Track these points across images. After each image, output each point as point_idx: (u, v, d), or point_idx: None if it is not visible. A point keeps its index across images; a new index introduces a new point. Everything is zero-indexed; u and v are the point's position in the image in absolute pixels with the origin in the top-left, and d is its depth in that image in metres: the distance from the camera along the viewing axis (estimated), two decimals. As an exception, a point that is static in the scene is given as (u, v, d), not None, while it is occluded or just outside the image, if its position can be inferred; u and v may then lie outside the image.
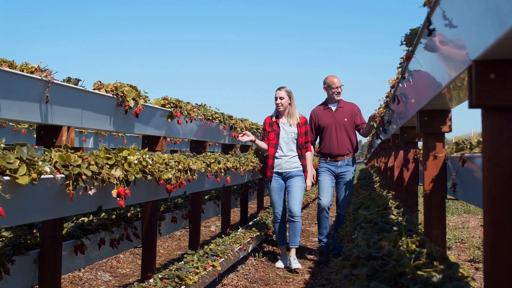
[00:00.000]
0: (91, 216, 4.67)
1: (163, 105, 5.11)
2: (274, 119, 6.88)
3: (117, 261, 6.79)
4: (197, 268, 5.07)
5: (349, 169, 7.21)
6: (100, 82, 4.08)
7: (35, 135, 3.77)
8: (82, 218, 4.57)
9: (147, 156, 3.76)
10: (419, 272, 1.72)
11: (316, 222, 8.04)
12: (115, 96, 4.12)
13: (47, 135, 3.67)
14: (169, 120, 5.23)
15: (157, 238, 5.28)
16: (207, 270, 5.20)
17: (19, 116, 3.17)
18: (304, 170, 6.82)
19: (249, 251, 6.99)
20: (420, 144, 4.24)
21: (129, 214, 5.23)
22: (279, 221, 6.93)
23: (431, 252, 2.00)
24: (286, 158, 6.79)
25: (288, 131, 6.80)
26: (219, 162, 5.72)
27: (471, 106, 1.69)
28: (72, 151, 3.00)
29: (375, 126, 6.48)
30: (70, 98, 3.63)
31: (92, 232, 4.46)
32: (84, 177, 2.90)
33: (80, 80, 3.75)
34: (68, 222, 4.42)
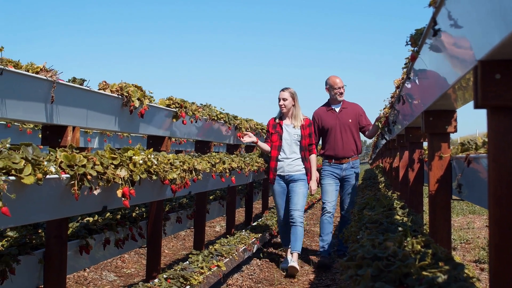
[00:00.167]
0: (96, 216, 4.68)
1: (168, 105, 5.11)
2: (277, 120, 6.76)
3: (122, 261, 6.80)
4: (202, 268, 5.07)
5: (354, 171, 7.09)
6: (105, 82, 4.08)
7: (40, 135, 3.78)
8: (87, 218, 4.58)
9: (152, 156, 3.76)
10: (424, 273, 1.72)
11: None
12: (120, 96, 4.13)
13: (53, 135, 3.68)
14: (174, 120, 5.23)
15: (162, 238, 5.29)
16: (212, 270, 5.20)
17: (24, 116, 3.18)
18: (307, 173, 6.68)
19: (254, 251, 6.99)
20: (425, 144, 4.24)
21: (134, 214, 5.23)
22: (283, 224, 6.86)
23: (436, 253, 1.99)
24: (289, 160, 6.66)
25: (291, 132, 6.68)
26: (224, 162, 5.72)
27: (476, 106, 1.69)
28: (77, 151, 3.01)
29: (380, 126, 6.47)
30: (75, 98, 3.64)
31: (97, 232, 4.46)
32: (89, 177, 2.91)
33: (85, 80, 3.76)
34: (73, 222, 4.43)
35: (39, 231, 4.13)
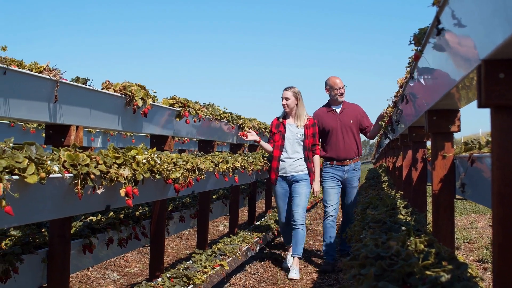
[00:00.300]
0: (100, 215, 4.68)
1: (171, 105, 5.12)
2: (281, 119, 6.68)
3: (125, 260, 6.81)
4: (205, 267, 5.08)
5: (355, 174, 6.96)
6: (108, 81, 4.09)
7: (43, 135, 3.78)
8: (91, 217, 4.59)
9: (155, 155, 3.77)
10: (427, 272, 1.71)
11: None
12: (123, 96, 4.13)
13: (56, 134, 3.68)
14: (177, 119, 5.23)
15: (165, 237, 5.29)
16: (215, 269, 5.21)
17: (28, 115, 3.18)
18: (310, 173, 6.56)
19: (257, 250, 6.99)
20: (428, 143, 4.24)
21: (137, 213, 5.23)
22: (283, 225, 6.79)
23: (440, 252, 1.99)
24: (291, 160, 6.55)
25: (294, 132, 6.57)
26: (227, 162, 5.73)
27: (480, 105, 1.68)
28: (81, 150, 3.01)
29: (383, 126, 6.45)
30: (78, 98, 3.64)
31: (101, 231, 4.47)
32: (92, 176, 2.91)
33: (89, 80, 3.76)
34: (77, 221, 4.44)
35: (43, 230, 4.13)
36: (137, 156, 3.47)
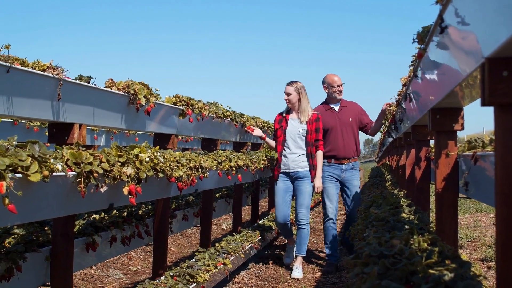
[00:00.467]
0: (103, 213, 4.68)
1: (175, 103, 5.12)
2: (284, 115, 6.57)
3: (128, 259, 6.81)
4: (208, 266, 5.08)
5: (354, 173, 6.81)
6: (111, 80, 4.09)
7: (47, 133, 3.79)
8: (94, 216, 4.59)
9: (159, 154, 3.77)
10: (430, 271, 1.71)
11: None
12: (126, 94, 4.13)
13: (59, 132, 3.68)
14: (181, 118, 5.23)
15: (168, 235, 5.29)
16: (218, 268, 5.21)
17: (31, 113, 3.19)
18: (312, 170, 6.41)
19: (260, 249, 6.99)
20: (432, 142, 4.24)
21: (140, 211, 5.24)
22: (281, 223, 6.59)
23: (443, 251, 1.99)
24: (294, 156, 6.41)
25: (296, 127, 6.44)
26: (230, 160, 5.72)
27: (483, 104, 1.68)
28: (84, 148, 3.01)
29: (386, 124, 6.44)
30: (81, 96, 3.64)
31: (104, 229, 4.47)
32: (95, 174, 2.91)
33: (92, 78, 3.76)
34: (80, 220, 4.44)
35: (46, 228, 4.14)
36: (140, 155, 3.47)
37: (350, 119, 6.84)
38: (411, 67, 3.76)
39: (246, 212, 10.65)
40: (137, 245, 5.15)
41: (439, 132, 3.20)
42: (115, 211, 4.87)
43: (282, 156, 6.51)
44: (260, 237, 7.01)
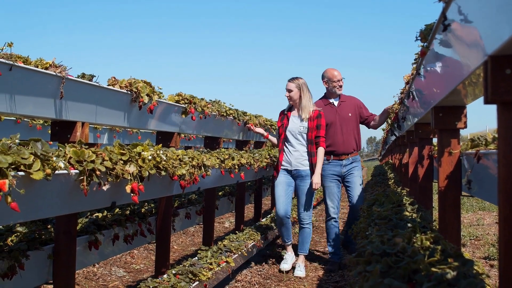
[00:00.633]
0: (105, 211, 4.69)
1: (177, 101, 5.11)
2: (286, 112, 6.50)
3: (131, 257, 6.82)
4: (211, 264, 5.08)
5: (355, 165, 6.72)
6: (114, 78, 4.09)
7: (50, 131, 3.79)
8: (96, 214, 4.59)
9: (161, 152, 3.76)
10: (433, 269, 1.71)
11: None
12: (129, 92, 4.13)
13: (62, 131, 3.68)
14: (183, 116, 5.23)
15: (171, 234, 5.29)
16: (221, 266, 5.21)
17: (34, 111, 3.19)
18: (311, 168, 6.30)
19: (263, 247, 6.99)
20: (435, 140, 4.23)
21: (143, 210, 5.24)
22: (281, 221, 6.43)
23: (446, 249, 1.99)
24: (295, 154, 6.32)
25: (296, 124, 6.34)
26: (233, 158, 5.72)
27: (486, 102, 1.68)
28: (87, 146, 3.01)
29: (389, 122, 6.43)
30: (84, 94, 3.64)
31: (106, 227, 4.47)
32: (98, 172, 2.91)
33: (95, 76, 3.76)
34: (82, 218, 4.44)
35: (48, 226, 4.14)
36: (142, 153, 3.47)
37: (350, 114, 6.75)
38: (414, 65, 3.76)
39: (249, 211, 10.64)
40: (140, 243, 5.15)
41: (442, 130, 3.20)
42: (117, 209, 4.87)
43: (284, 154, 6.42)
44: (262, 236, 7.01)
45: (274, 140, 6.82)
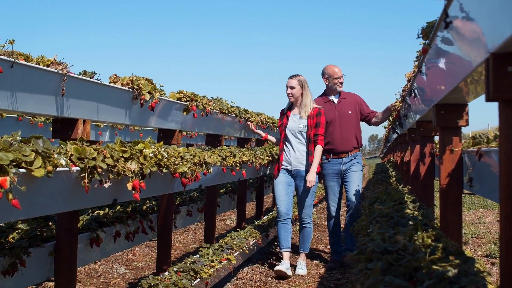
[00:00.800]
0: (107, 209, 4.69)
1: (179, 99, 5.11)
2: (286, 111, 6.40)
3: (132, 254, 6.83)
4: (212, 261, 5.08)
5: (355, 161, 6.59)
6: (115, 75, 4.09)
7: (51, 129, 3.79)
8: (98, 211, 4.59)
9: (163, 149, 3.77)
10: (434, 267, 1.71)
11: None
12: (130, 90, 4.13)
13: (63, 128, 3.69)
14: (185, 113, 5.23)
15: (172, 231, 5.29)
16: (222, 263, 5.21)
17: (35, 109, 3.19)
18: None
19: (264, 244, 6.99)
20: (436, 138, 4.23)
21: (144, 207, 5.24)
22: (282, 220, 6.34)
23: (447, 247, 1.99)
24: (295, 153, 6.22)
25: (296, 122, 6.23)
26: (234, 156, 5.72)
27: (488, 99, 1.67)
28: (88, 144, 3.02)
29: (391, 120, 6.42)
30: (86, 91, 3.64)
31: (108, 225, 4.48)
32: (99, 170, 2.91)
33: (96, 73, 3.76)
34: (84, 215, 4.45)
35: (50, 223, 4.15)
36: (144, 150, 3.47)
37: (350, 112, 6.63)
38: (416, 63, 3.76)
39: (251, 208, 10.65)
40: (141, 241, 5.16)
41: (444, 128, 3.19)
42: (119, 207, 4.88)
43: (284, 153, 6.33)
44: (264, 233, 7.01)
45: (273, 139, 6.81)
